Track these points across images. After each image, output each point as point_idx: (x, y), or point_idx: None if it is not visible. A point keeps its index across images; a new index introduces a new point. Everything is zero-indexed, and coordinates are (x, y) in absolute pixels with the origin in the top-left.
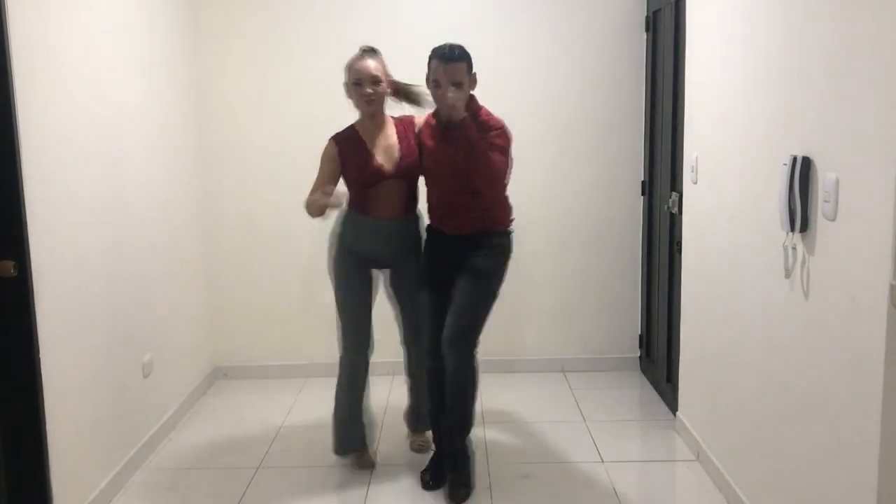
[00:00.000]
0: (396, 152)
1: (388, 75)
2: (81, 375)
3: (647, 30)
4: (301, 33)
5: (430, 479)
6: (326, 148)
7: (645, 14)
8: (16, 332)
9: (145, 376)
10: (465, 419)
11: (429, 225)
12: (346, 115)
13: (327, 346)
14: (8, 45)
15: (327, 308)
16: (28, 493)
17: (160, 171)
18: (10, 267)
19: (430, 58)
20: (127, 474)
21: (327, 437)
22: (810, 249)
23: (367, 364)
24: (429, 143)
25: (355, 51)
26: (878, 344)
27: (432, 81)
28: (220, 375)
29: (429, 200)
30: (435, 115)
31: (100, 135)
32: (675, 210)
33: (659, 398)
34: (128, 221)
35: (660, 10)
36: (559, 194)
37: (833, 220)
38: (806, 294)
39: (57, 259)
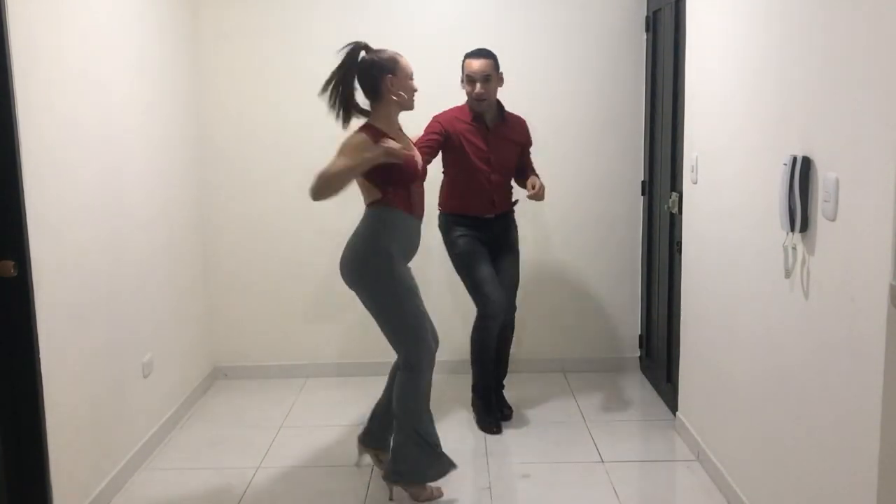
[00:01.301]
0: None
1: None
2: (81, 376)
3: (647, 30)
4: (301, 33)
5: (495, 425)
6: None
7: (645, 14)
8: (16, 332)
9: (145, 376)
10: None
11: (453, 213)
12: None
13: (327, 346)
14: (8, 46)
15: (327, 307)
16: (28, 493)
17: (160, 171)
18: (10, 267)
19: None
20: (127, 474)
21: (327, 438)
22: (810, 249)
23: None
24: (475, 140)
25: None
26: (878, 344)
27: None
28: (220, 375)
29: (454, 189)
30: (473, 115)
31: (99, 135)
32: (675, 210)
33: (659, 398)
34: (128, 221)
35: (660, 10)
36: (559, 194)
37: (833, 220)
38: (806, 294)
39: (57, 259)
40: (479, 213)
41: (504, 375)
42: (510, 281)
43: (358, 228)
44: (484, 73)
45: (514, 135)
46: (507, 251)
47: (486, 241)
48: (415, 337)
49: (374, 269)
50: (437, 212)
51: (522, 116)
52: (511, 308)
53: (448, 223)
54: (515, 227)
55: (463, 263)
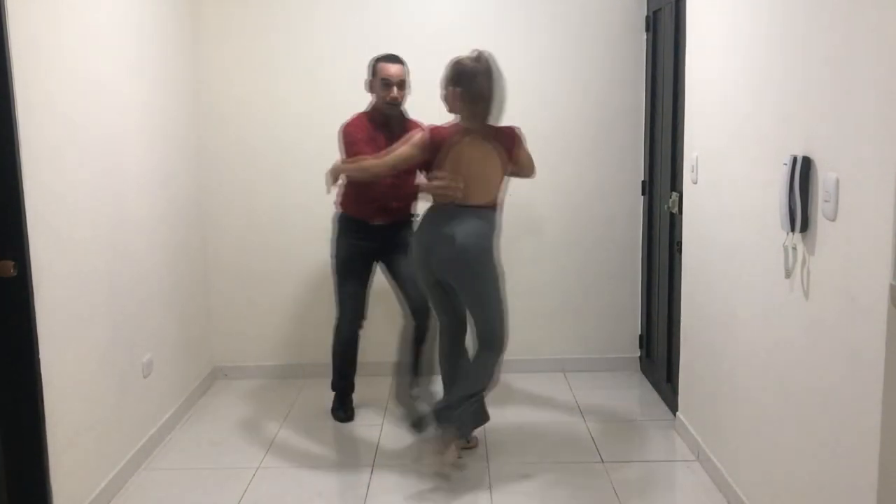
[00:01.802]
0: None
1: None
2: (81, 376)
3: (647, 30)
4: (301, 33)
5: (343, 416)
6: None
7: (645, 14)
8: (16, 332)
9: (145, 376)
10: None
11: (347, 216)
12: (346, 114)
13: (327, 346)
14: (8, 46)
15: (327, 308)
16: (28, 493)
17: (160, 170)
18: (10, 267)
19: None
20: (127, 474)
21: (327, 438)
22: (810, 249)
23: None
24: (378, 148)
25: (356, 50)
26: (878, 344)
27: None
28: (220, 375)
29: (351, 193)
30: (377, 123)
31: (99, 135)
32: (675, 210)
33: (659, 398)
34: (127, 221)
35: (660, 10)
36: (559, 194)
37: (833, 220)
38: (806, 294)
39: (57, 259)
40: (372, 219)
41: (422, 376)
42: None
43: (476, 223)
44: (400, 77)
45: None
46: (403, 252)
47: (372, 251)
48: (504, 321)
49: (493, 259)
50: (335, 210)
51: (525, 116)
52: (428, 309)
53: (341, 224)
54: (411, 232)
55: (339, 271)
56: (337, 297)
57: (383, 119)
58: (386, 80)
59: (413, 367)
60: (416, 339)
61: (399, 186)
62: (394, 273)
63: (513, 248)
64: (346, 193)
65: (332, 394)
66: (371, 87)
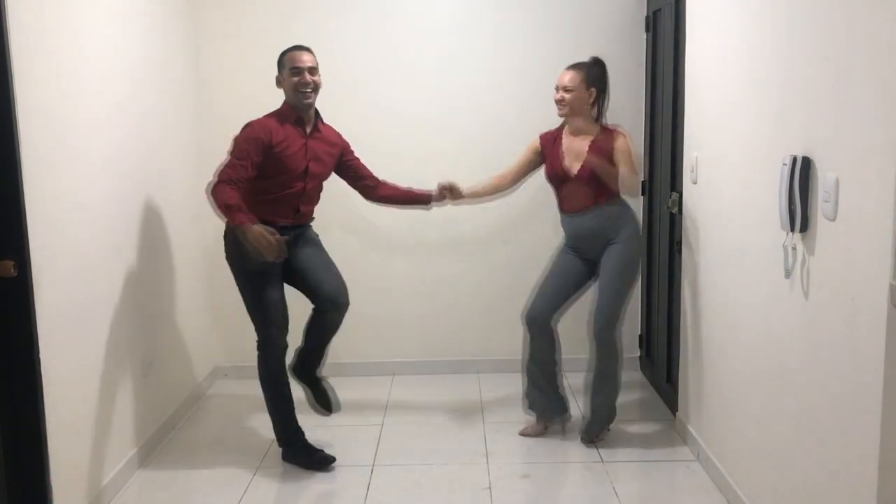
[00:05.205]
0: None
1: None
2: (81, 375)
3: (647, 30)
4: (302, 32)
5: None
6: None
7: (645, 14)
8: (16, 332)
9: (145, 376)
10: None
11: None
12: (346, 113)
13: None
14: (8, 46)
15: None
16: (28, 493)
17: (160, 170)
18: (10, 267)
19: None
20: (127, 474)
21: (327, 437)
22: (810, 249)
23: None
24: (292, 145)
25: (355, 50)
26: (878, 344)
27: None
28: (220, 375)
29: (257, 195)
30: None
31: (99, 134)
32: (675, 210)
33: (659, 398)
34: (128, 221)
35: (660, 10)
36: None
37: (833, 220)
38: (806, 294)
39: (57, 259)
40: (280, 221)
41: (319, 363)
42: (333, 268)
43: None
44: (312, 65)
45: (331, 139)
46: (310, 244)
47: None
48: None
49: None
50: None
51: (525, 116)
52: (346, 291)
53: (231, 234)
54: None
55: (245, 285)
56: (257, 310)
57: (295, 116)
58: (296, 68)
59: (315, 353)
60: (328, 327)
61: (315, 191)
62: (303, 266)
63: (512, 248)
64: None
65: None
66: (280, 81)
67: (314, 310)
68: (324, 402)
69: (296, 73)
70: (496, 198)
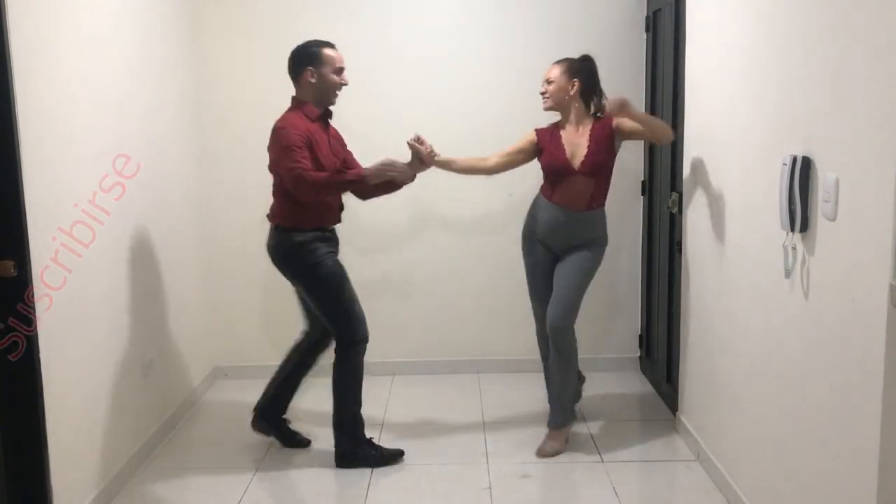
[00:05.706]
0: None
1: None
2: (81, 375)
3: (647, 30)
4: (301, 33)
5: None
6: None
7: (645, 14)
8: (16, 332)
9: (145, 376)
10: None
11: (311, 228)
12: (345, 113)
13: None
14: (8, 46)
15: None
16: (28, 493)
17: (160, 170)
18: (10, 267)
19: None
20: (127, 474)
21: (327, 437)
22: (810, 249)
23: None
24: (322, 142)
25: (355, 49)
26: (878, 344)
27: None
28: (220, 375)
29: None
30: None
31: (100, 134)
32: (675, 210)
33: (659, 398)
34: (127, 221)
35: (660, 10)
36: None
37: (833, 220)
38: (806, 294)
39: (57, 259)
40: (333, 223)
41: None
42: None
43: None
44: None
45: (337, 134)
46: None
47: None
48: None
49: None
50: (276, 228)
51: (525, 116)
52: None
53: (309, 240)
54: None
55: (335, 285)
56: (344, 310)
57: (318, 113)
58: (341, 67)
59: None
60: (314, 351)
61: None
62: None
63: (513, 248)
64: (294, 208)
65: (327, 394)
66: (309, 76)
67: (308, 336)
68: (297, 440)
69: (340, 72)
70: (469, 176)
